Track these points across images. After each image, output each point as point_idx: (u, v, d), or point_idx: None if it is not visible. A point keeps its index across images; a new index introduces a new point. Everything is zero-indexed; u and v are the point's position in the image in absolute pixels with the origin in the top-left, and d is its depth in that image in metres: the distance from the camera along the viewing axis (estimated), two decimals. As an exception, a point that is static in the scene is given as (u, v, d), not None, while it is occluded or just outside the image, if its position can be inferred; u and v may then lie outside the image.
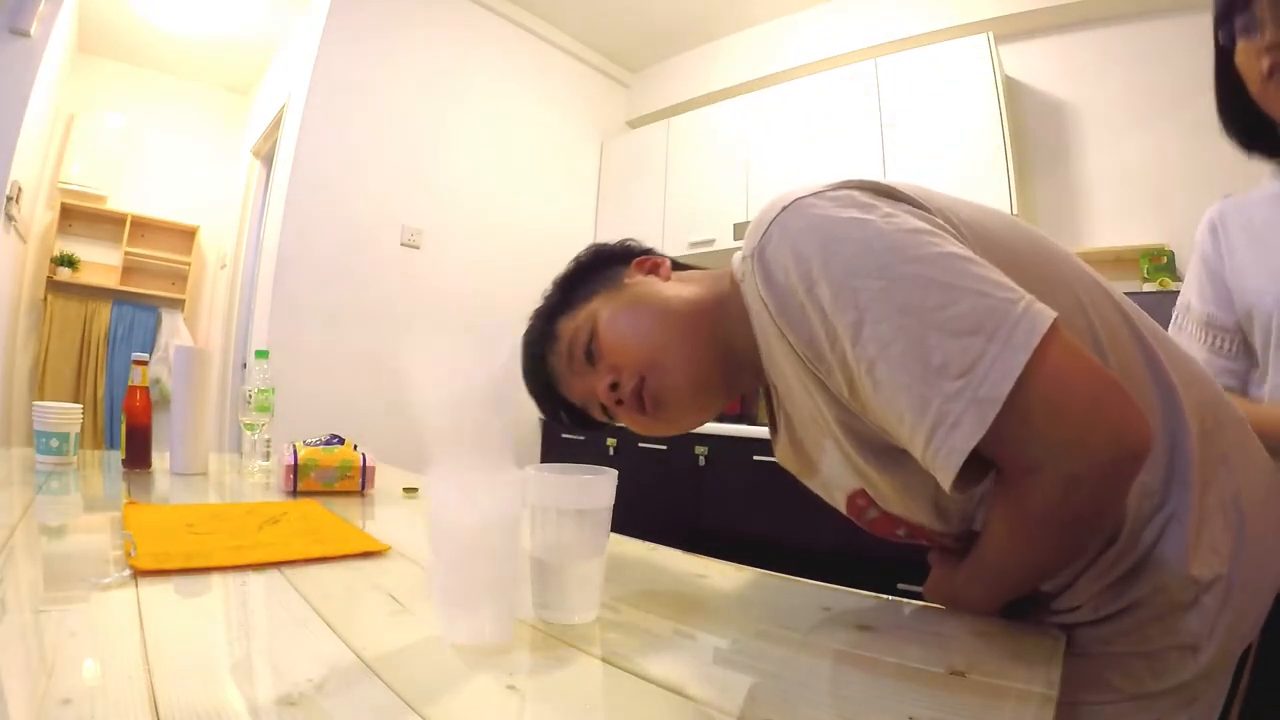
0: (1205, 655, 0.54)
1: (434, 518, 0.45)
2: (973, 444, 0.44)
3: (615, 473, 0.52)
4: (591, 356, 0.67)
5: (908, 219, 0.51)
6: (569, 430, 3.10)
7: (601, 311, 0.67)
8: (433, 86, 2.92)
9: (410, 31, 2.85)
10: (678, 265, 0.74)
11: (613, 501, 0.52)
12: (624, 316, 0.66)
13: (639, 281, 0.69)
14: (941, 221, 0.54)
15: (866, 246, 0.49)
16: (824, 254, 0.50)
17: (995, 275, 0.48)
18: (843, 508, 0.68)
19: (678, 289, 0.67)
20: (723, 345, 0.64)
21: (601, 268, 0.73)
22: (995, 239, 0.56)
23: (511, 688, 0.40)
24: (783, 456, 0.73)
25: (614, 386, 0.64)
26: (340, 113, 2.64)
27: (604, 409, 0.69)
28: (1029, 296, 0.46)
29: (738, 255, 0.62)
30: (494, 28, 3.19)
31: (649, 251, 0.75)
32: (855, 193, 0.54)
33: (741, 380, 0.68)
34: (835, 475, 0.65)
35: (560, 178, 3.48)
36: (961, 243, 0.52)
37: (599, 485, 0.51)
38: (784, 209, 0.54)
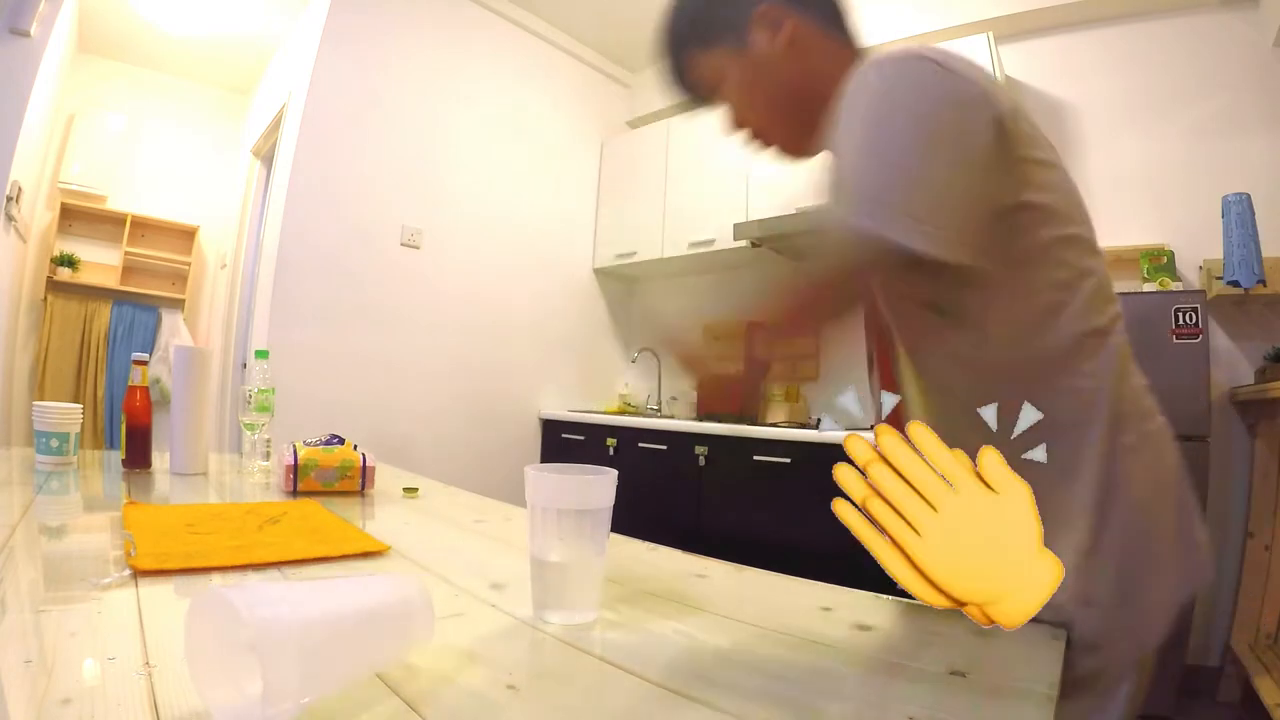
0: (1096, 658, 0.56)
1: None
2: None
3: (615, 473, 0.52)
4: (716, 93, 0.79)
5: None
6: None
7: (725, 74, 0.77)
8: (433, 86, 2.91)
9: (410, 31, 2.85)
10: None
11: (613, 501, 0.52)
12: (744, 93, 0.77)
13: (761, 46, 0.75)
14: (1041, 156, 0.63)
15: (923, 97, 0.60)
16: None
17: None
18: None
19: (793, 69, 0.75)
20: (820, 127, 0.72)
21: (721, 5, 0.77)
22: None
23: (511, 688, 0.40)
24: None
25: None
26: (340, 113, 2.64)
27: None
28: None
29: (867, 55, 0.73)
30: (494, 28, 3.19)
31: None
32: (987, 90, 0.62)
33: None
34: None
35: (560, 178, 3.48)
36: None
37: (599, 485, 0.51)
38: (915, 54, 0.61)
